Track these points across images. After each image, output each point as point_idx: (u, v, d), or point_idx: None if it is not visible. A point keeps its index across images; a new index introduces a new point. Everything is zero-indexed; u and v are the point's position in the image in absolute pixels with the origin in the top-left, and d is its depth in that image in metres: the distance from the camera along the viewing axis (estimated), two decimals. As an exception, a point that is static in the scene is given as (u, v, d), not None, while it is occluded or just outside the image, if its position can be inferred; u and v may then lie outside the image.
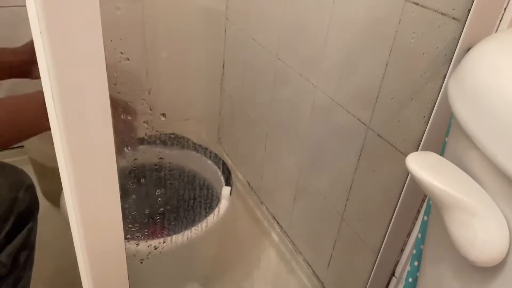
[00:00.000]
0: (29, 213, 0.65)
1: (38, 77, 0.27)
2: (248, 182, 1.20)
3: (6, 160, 0.68)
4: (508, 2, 0.48)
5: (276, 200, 1.09)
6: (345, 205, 0.79)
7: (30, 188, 0.66)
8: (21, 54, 0.70)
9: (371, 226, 0.73)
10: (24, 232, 0.64)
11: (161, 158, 0.86)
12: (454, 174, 0.38)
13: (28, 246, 0.66)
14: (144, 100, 0.67)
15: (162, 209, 0.79)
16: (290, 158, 0.97)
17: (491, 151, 0.34)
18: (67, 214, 0.32)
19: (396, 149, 0.64)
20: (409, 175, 0.61)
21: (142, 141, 0.84)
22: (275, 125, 1.01)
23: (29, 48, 0.69)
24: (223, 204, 0.79)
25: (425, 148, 0.57)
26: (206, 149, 0.91)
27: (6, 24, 0.95)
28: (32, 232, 0.67)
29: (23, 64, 0.68)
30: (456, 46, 0.50)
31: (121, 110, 0.58)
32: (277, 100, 0.98)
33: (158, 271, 0.74)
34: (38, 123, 0.56)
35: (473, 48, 0.43)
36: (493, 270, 0.36)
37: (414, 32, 0.58)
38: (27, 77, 0.72)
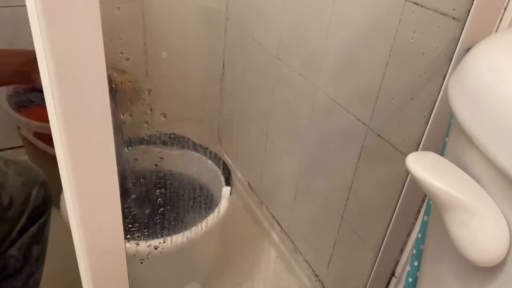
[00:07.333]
0: (42, 210, 0.65)
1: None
2: (248, 182, 1.20)
3: (6, 160, 0.68)
4: (508, 2, 0.48)
5: (276, 200, 1.09)
6: (345, 205, 0.79)
7: (44, 184, 0.66)
8: (21, 57, 0.66)
9: (371, 226, 0.73)
10: (36, 226, 0.64)
11: (161, 158, 0.86)
12: (454, 174, 0.38)
13: (41, 240, 0.66)
14: (144, 100, 0.67)
15: (162, 209, 0.79)
16: (290, 158, 0.97)
17: (491, 151, 0.34)
18: (67, 214, 0.32)
19: (396, 149, 0.64)
20: (409, 175, 0.61)
21: (142, 141, 0.84)
22: (275, 125, 1.01)
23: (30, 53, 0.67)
24: (223, 204, 0.79)
25: (425, 148, 0.57)
26: (206, 149, 0.91)
27: (6, 24, 0.95)
28: (45, 226, 0.67)
29: (24, 68, 0.64)
30: (456, 46, 0.50)
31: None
32: (277, 100, 0.98)
33: (158, 271, 0.74)
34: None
35: (473, 48, 0.43)
36: (493, 270, 0.36)
37: (414, 32, 0.58)
38: (32, 84, 0.71)
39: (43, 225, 0.66)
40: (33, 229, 0.63)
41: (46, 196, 0.66)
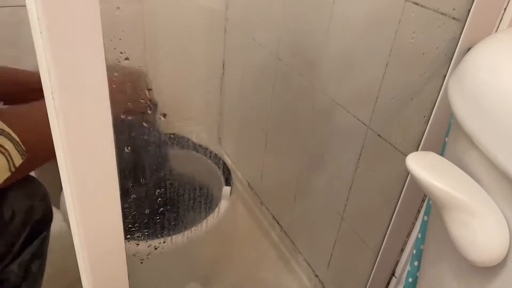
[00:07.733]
0: (43, 223, 0.64)
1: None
2: (248, 182, 1.20)
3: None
4: (508, 2, 0.48)
5: (276, 200, 1.09)
6: (345, 205, 0.79)
7: (45, 197, 0.65)
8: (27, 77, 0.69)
9: (371, 226, 0.73)
10: (37, 241, 0.63)
11: (161, 158, 0.86)
12: (454, 174, 0.38)
13: (41, 255, 0.65)
14: (143, 100, 0.67)
15: (162, 209, 0.79)
16: (290, 158, 0.97)
17: (491, 151, 0.34)
18: (67, 214, 0.32)
19: (396, 149, 0.64)
20: (409, 175, 0.61)
21: (142, 141, 0.84)
22: (275, 125, 1.01)
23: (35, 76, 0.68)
24: (223, 204, 0.79)
25: (425, 148, 0.57)
26: (206, 149, 0.91)
27: (6, 24, 0.95)
28: (45, 241, 0.66)
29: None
30: (456, 46, 0.50)
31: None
32: (277, 100, 0.98)
33: (158, 271, 0.74)
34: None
35: (473, 48, 0.43)
36: (493, 270, 0.36)
37: (414, 32, 0.58)
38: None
39: (43, 240, 0.64)
40: (34, 245, 0.62)
41: (47, 210, 0.64)
